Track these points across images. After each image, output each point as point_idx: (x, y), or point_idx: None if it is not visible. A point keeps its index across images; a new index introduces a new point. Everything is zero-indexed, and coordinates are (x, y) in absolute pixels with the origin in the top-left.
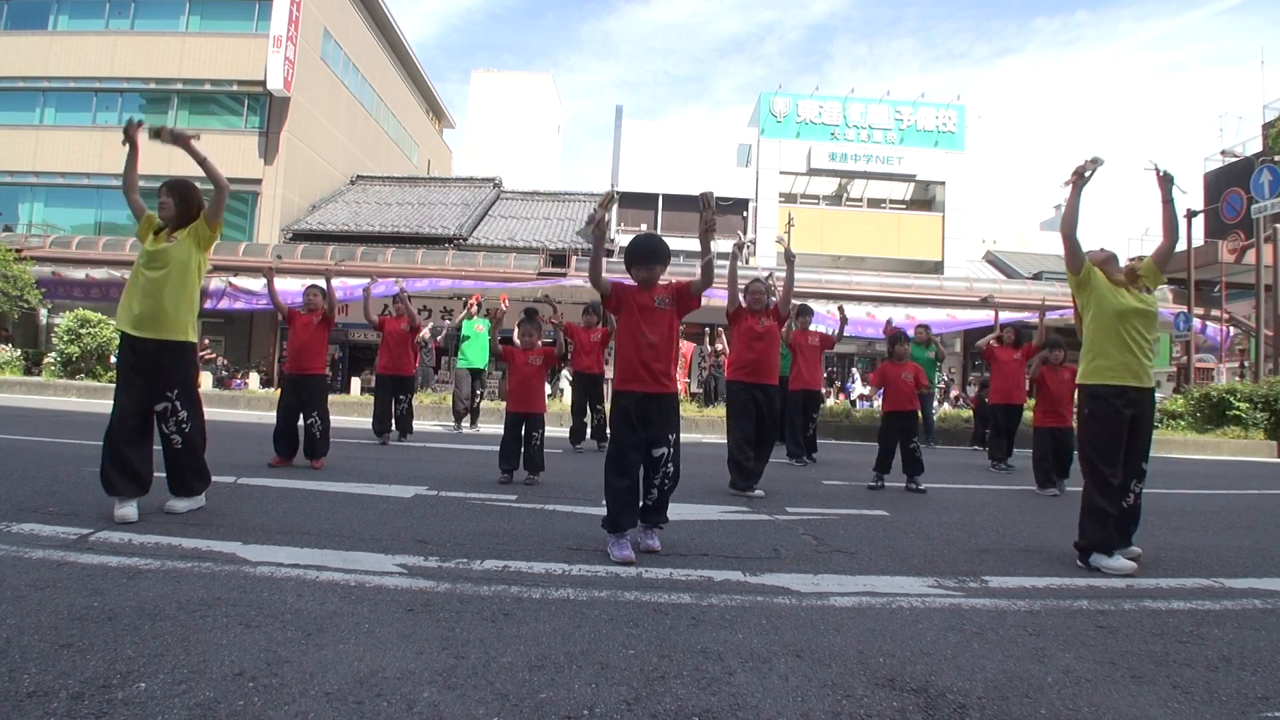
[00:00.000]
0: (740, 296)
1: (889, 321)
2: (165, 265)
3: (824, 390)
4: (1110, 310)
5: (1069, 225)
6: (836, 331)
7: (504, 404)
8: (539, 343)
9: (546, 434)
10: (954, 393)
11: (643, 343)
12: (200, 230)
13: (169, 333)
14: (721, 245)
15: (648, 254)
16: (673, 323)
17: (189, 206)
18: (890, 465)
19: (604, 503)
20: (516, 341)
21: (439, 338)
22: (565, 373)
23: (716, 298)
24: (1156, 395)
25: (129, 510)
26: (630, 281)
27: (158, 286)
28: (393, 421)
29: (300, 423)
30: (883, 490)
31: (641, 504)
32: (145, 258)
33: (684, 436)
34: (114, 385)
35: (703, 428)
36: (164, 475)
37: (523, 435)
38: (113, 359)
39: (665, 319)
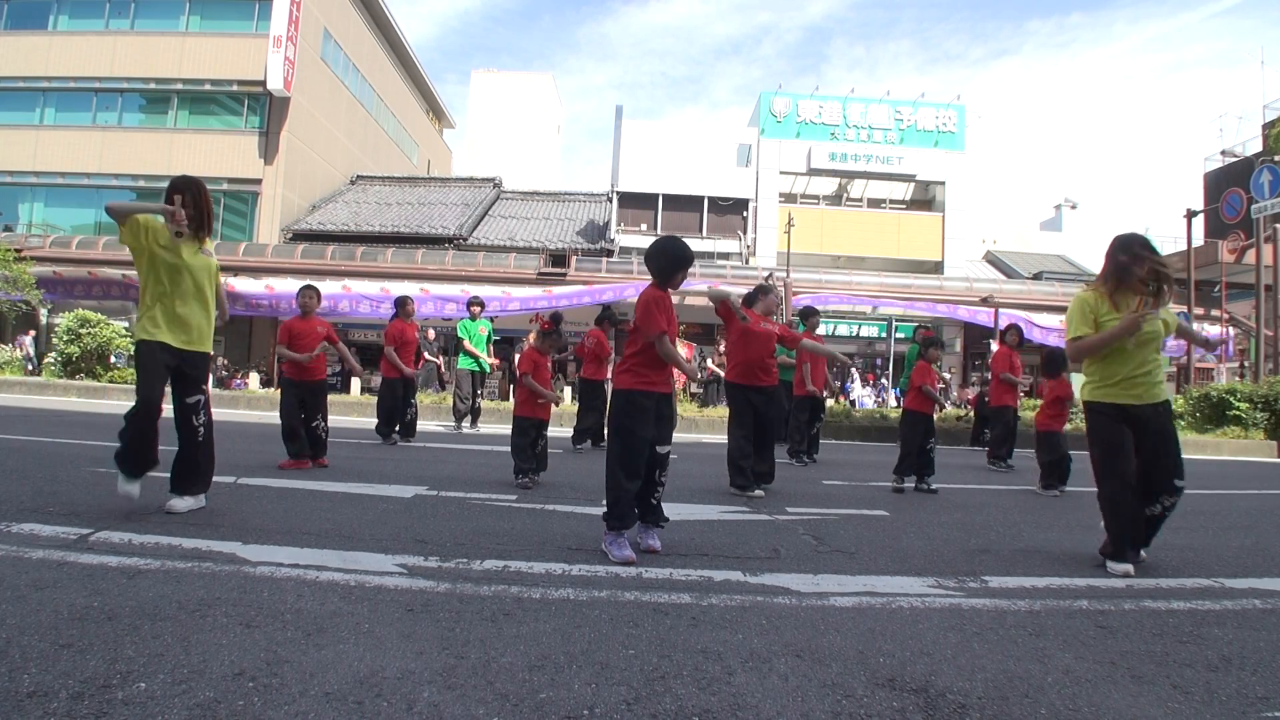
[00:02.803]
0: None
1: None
2: (207, 279)
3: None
4: (1144, 335)
5: (1094, 351)
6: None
7: (505, 404)
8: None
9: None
10: (967, 394)
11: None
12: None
13: (208, 345)
14: (725, 245)
15: (684, 261)
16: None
17: (200, 210)
18: (914, 468)
19: (605, 503)
20: (529, 340)
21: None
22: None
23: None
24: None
25: (135, 488)
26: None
27: (203, 300)
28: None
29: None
30: (902, 493)
31: (648, 503)
32: (187, 269)
33: (684, 436)
34: (112, 385)
35: (702, 428)
36: (168, 475)
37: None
38: (113, 359)
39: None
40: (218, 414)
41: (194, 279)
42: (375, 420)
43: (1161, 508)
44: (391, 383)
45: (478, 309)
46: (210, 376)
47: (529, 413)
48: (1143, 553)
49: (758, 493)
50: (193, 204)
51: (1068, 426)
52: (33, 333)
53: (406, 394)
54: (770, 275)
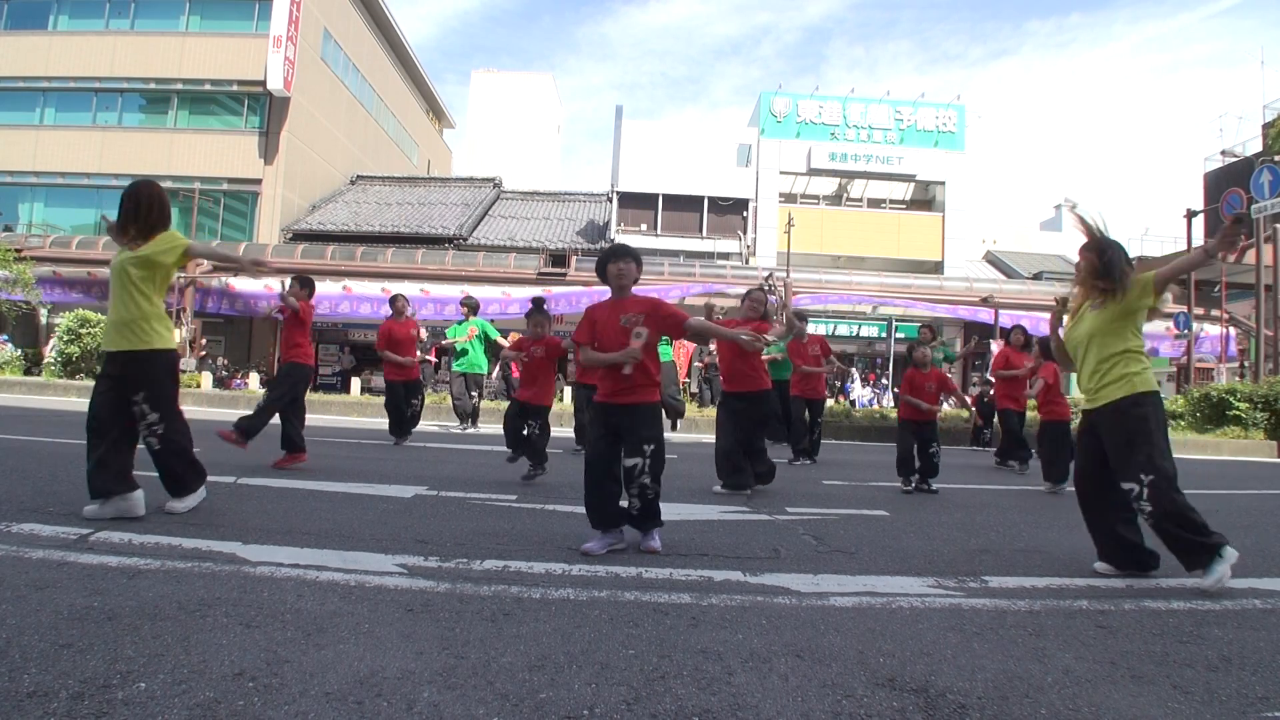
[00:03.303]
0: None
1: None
2: (122, 276)
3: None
4: (1070, 344)
5: (1059, 355)
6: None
7: (504, 404)
8: (547, 332)
9: (552, 434)
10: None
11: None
12: (167, 256)
13: (133, 343)
14: (725, 245)
15: (603, 261)
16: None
17: (137, 211)
18: (914, 468)
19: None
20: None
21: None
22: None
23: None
24: (1157, 397)
25: (94, 507)
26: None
27: (122, 298)
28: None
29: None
30: (909, 493)
31: (629, 514)
32: (114, 270)
33: (684, 436)
34: None
35: (703, 427)
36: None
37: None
38: None
39: (628, 336)
40: (219, 414)
41: (117, 279)
42: (373, 420)
43: (1146, 518)
44: (392, 385)
45: (465, 310)
46: (168, 380)
47: (519, 395)
48: (1201, 577)
49: (746, 491)
50: (130, 206)
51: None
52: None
53: (408, 394)
54: (770, 275)
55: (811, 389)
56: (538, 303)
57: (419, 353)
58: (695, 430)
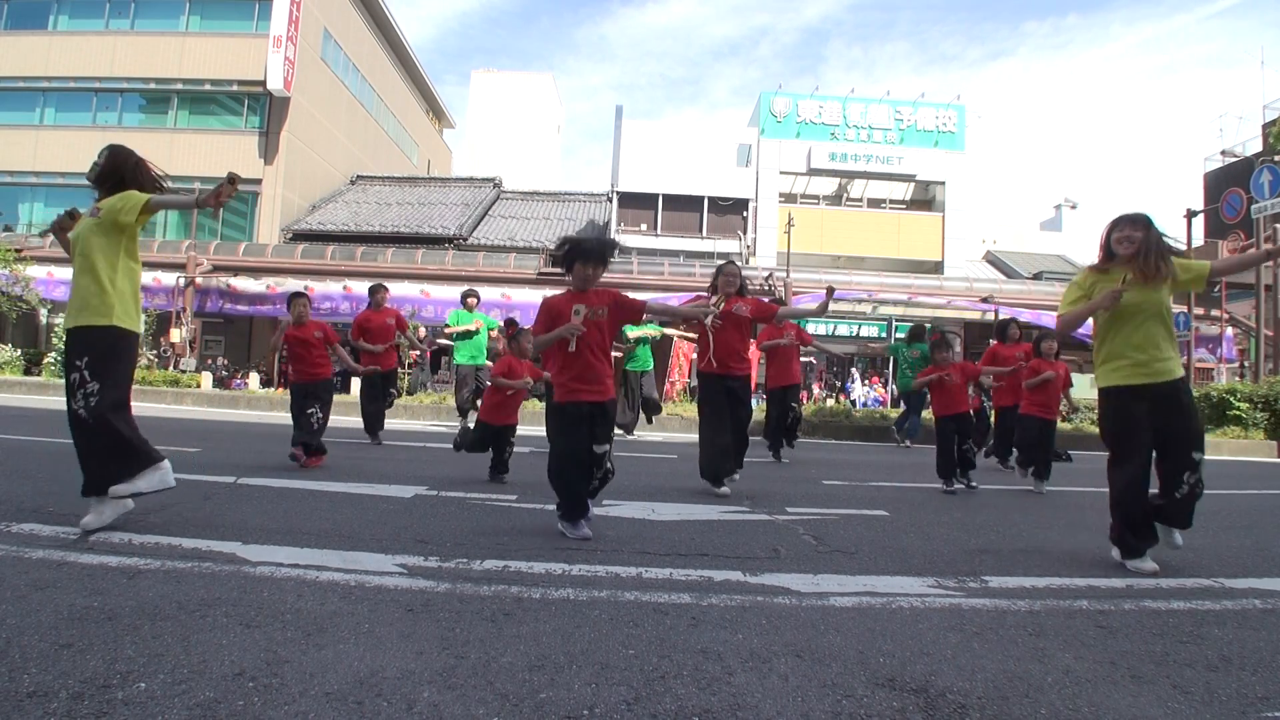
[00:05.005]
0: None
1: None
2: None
3: (800, 387)
4: (1127, 309)
5: (1076, 322)
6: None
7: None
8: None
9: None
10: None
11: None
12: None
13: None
14: (725, 245)
15: (593, 255)
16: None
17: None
18: (954, 471)
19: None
20: (500, 350)
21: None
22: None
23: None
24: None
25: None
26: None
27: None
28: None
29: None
30: (954, 494)
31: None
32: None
33: (684, 436)
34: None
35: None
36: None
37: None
38: None
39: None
40: (218, 414)
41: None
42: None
43: (1188, 486)
44: (369, 379)
45: (474, 300)
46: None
47: (492, 419)
48: (1178, 536)
49: (724, 490)
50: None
51: (1066, 426)
52: None
53: (385, 383)
54: (770, 275)
55: (782, 377)
56: (513, 324)
57: (405, 346)
58: (695, 430)
